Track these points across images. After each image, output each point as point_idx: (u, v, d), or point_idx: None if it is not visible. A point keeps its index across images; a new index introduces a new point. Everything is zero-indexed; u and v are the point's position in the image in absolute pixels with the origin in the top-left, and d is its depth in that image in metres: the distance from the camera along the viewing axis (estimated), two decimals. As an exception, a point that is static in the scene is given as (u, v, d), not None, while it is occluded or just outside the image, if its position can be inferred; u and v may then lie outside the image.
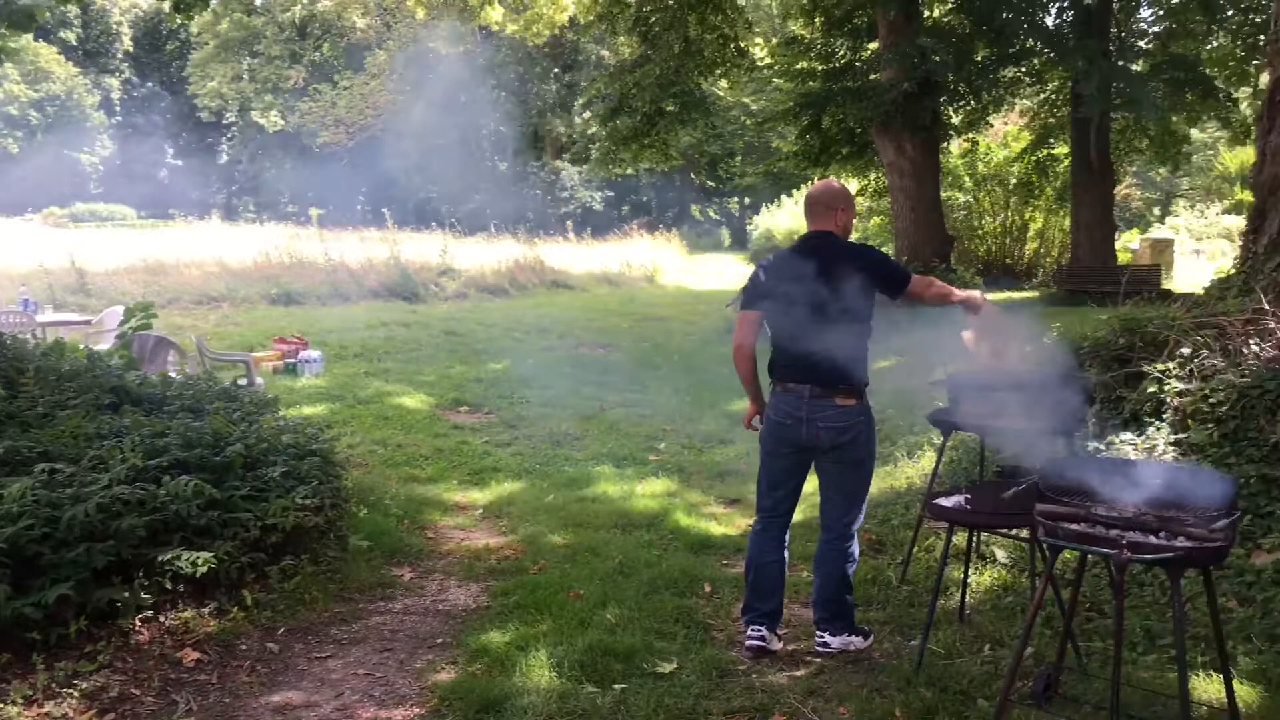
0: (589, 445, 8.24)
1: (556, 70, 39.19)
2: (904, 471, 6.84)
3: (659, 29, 15.64)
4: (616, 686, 3.81)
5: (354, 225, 32.10)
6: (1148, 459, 5.17)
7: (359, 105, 41.87)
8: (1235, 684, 3.37)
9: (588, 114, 25.01)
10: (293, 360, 11.17)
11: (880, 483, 6.73)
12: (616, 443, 8.30)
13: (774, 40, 23.08)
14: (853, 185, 22.00)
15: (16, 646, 3.68)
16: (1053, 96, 19.34)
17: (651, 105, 16.14)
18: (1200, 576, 3.16)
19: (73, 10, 52.50)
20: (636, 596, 4.72)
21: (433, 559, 5.49)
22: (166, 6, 7.48)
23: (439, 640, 4.36)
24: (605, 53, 34.43)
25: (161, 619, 4.16)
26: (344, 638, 4.37)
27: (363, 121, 42.19)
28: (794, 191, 29.21)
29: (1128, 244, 24.37)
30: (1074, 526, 3.08)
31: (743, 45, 17.64)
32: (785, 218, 30.36)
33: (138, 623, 4.06)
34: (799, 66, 19.21)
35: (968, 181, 22.84)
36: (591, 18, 17.47)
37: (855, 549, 4.21)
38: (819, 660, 4.11)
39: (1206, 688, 3.67)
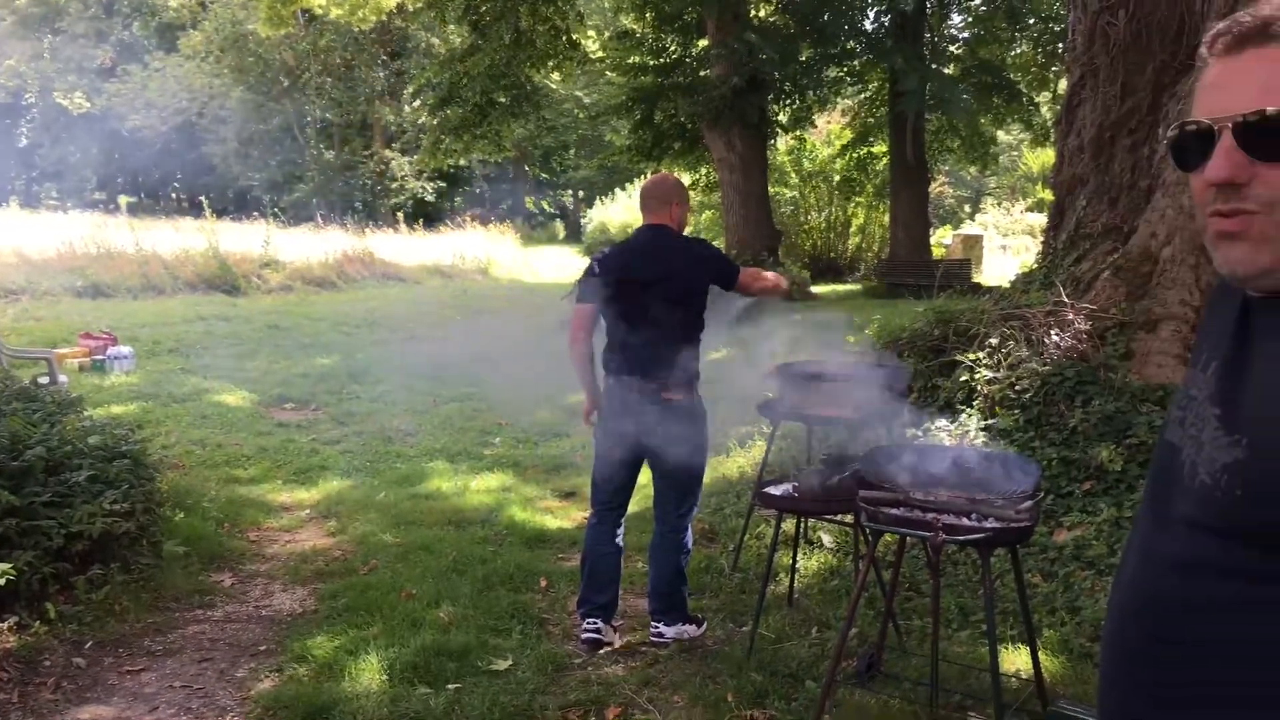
0: (422, 441, 8.09)
1: (385, 57, 38.19)
2: (736, 461, 6.98)
3: (489, 19, 15.46)
4: (450, 686, 3.75)
5: (169, 214, 30.53)
6: (961, 445, 5.45)
7: (173, 88, 39.72)
8: (1041, 655, 3.59)
9: (417, 103, 24.50)
10: (101, 357, 10.53)
11: (713, 472, 6.86)
12: (450, 438, 8.17)
13: (606, 34, 23.18)
14: (685, 179, 22.34)
15: None
16: (872, 96, 20.15)
17: (482, 96, 15.95)
18: (1009, 555, 3.34)
19: None
20: (471, 594, 4.66)
21: (256, 563, 5.27)
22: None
23: (262, 648, 4.19)
24: (436, 41, 33.79)
25: (-49, 638, 3.85)
26: (159, 649, 4.15)
27: (177, 105, 40.06)
28: (628, 185, 29.48)
29: (941, 239, 25.63)
30: (893, 511, 3.21)
31: (575, 38, 17.63)
32: (619, 211, 30.57)
33: (-77, 644, 3.74)
34: (631, 61, 19.36)
35: (794, 178, 23.56)
36: (420, 4, 17.10)
37: (689, 540, 4.26)
38: (655, 650, 4.15)
39: (1015, 659, 3.89)
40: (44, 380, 7.42)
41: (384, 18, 20.41)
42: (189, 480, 6.55)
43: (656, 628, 4.21)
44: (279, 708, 3.60)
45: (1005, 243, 28.60)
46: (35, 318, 13.68)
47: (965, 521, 3.19)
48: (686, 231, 4.33)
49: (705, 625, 4.29)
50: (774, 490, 4.12)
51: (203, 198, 24.59)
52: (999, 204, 34.85)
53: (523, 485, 6.84)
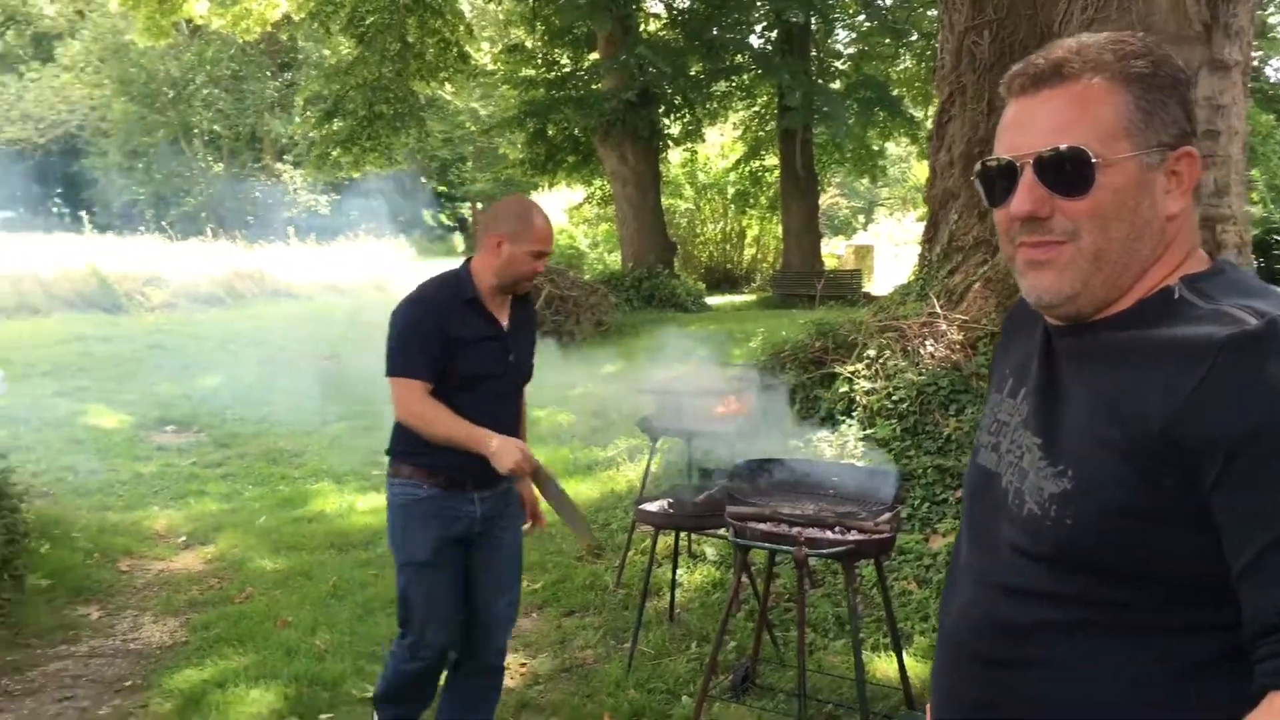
0: (308, 462, 7.93)
1: (274, 68, 37.42)
2: (624, 475, 7.02)
3: (375, 30, 15.28)
4: (322, 716, 3.69)
5: (48, 230, 29.36)
6: (829, 459, 5.57)
7: (50, 99, 38.26)
8: (910, 661, 3.69)
9: (307, 114, 24.09)
10: (-31, 382, 10.06)
11: (601, 487, 6.90)
12: (338, 458, 8.03)
13: (498, 47, 23.12)
14: (579, 193, 22.42)
15: None
16: (762, 111, 20.50)
17: (367, 108, 15.74)
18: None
19: None
20: (349, 620, 4.59)
21: (125, 594, 5.10)
22: None
23: (128, 683, 4.06)
24: (327, 52, 33.28)
25: None
26: (17, 689, 3.98)
27: (55, 117, 38.60)
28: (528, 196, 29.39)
29: (834, 250, 26.19)
30: (760, 526, 3.27)
31: (465, 50, 17.53)
32: (516, 224, 30.46)
33: None
34: (523, 74, 19.35)
35: (689, 190, 23.80)
36: (303, 15, 16.82)
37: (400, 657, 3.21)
38: (534, 670, 4.15)
39: (886, 667, 3.98)
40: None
41: (270, 29, 19.98)
42: (58, 509, 6.32)
43: None
44: (142, 746, 3.50)
45: (897, 252, 29.38)
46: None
47: (829, 535, 3.27)
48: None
49: None
50: (650, 506, 4.15)
51: (84, 212, 23.68)
52: (891, 214, 35.75)
53: (409, 505, 6.74)
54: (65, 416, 9.12)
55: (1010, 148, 1.19)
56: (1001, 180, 1.19)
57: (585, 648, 4.34)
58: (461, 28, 17.27)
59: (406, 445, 3.06)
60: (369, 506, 6.60)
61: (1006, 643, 1.19)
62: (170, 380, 11.16)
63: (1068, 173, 1.13)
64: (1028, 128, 1.17)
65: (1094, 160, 1.12)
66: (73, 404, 9.69)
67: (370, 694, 3.85)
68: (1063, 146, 1.13)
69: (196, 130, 38.52)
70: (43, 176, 39.12)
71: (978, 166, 1.23)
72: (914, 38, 18.79)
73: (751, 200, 23.30)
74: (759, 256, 24.33)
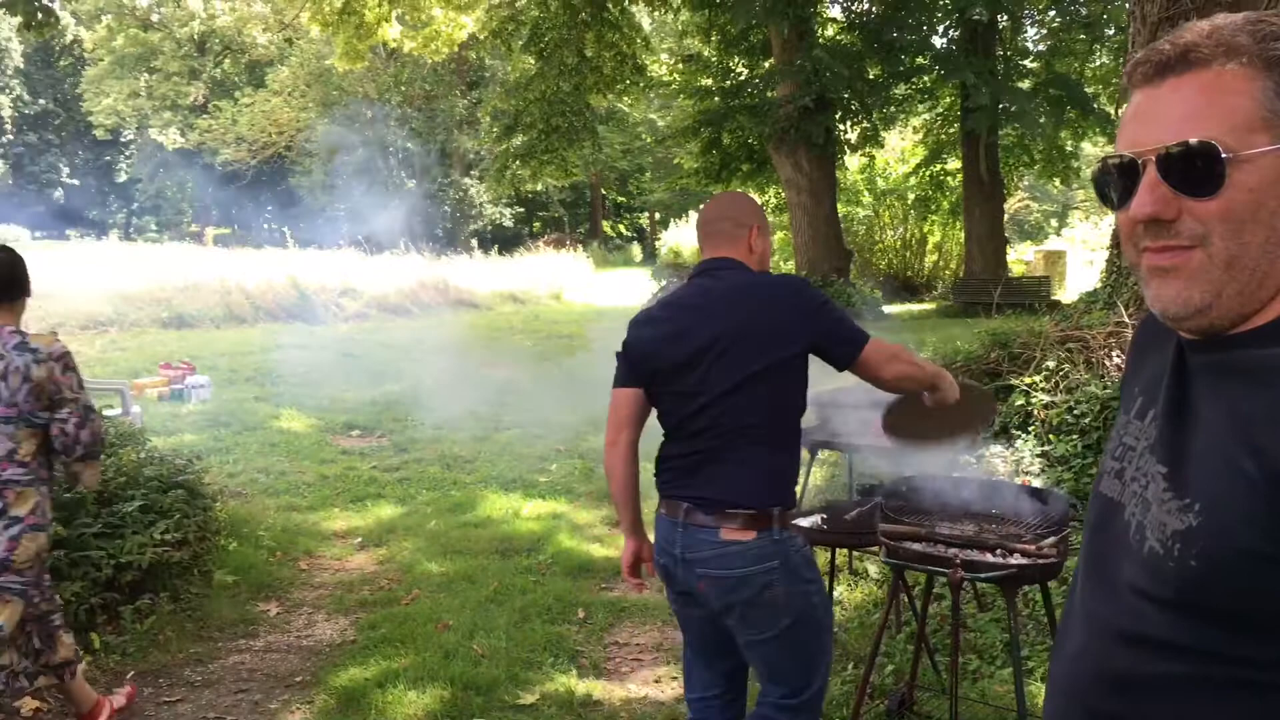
0: (479, 468, 8.14)
1: (463, 87, 38.93)
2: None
3: (553, 46, 15.66)
4: (474, 721, 3.75)
5: (257, 244, 31.47)
6: (1000, 477, 5.29)
7: (261, 123, 41.04)
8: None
9: (492, 129, 24.98)
10: (179, 386, 10.85)
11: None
12: (507, 465, 8.21)
13: (675, 58, 23.29)
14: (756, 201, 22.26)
15: None
16: (944, 113, 19.85)
17: (545, 121, 16.14)
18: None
19: (-43, 25, 50.75)
20: (507, 625, 4.65)
21: (303, 591, 5.34)
22: (17, 24, 7.24)
23: (298, 679, 4.24)
24: (510, 69, 34.46)
25: (-1, 667, 3.97)
26: (198, 680, 4.22)
27: (266, 139, 41.37)
28: (701, 206, 29.51)
29: (1023, 256, 25.08)
30: (914, 546, 3.12)
31: (641, 63, 17.74)
32: (693, 234, 30.64)
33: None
34: (699, 84, 19.40)
35: (867, 196, 23.30)
36: (486, 34, 17.41)
37: None
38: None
39: (1056, 698, 3.73)
40: (114, 412, 7.67)
41: (457, 49, 20.79)
42: (249, 508, 6.69)
43: None
44: (306, 740, 3.64)
45: (1091, 258, 27.89)
46: (121, 348, 14.20)
47: (989, 558, 3.08)
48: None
49: None
50: (803, 521, 4.03)
51: (286, 229, 25.25)
52: (1086, 217, 34.01)
53: (574, 512, 6.83)
54: (262, 420, 9.69)
55: (1131, 143, 1.05)
56: (1122, 179, 1.06)
57: (738, 665, 4.25)
58: (639, 40, 17.49)
59: (786, 492, 2.67)
60: (533, 513, 6.71)
61: (1119, 697, 1.06)
62: (357, 387, 11.71)
63: (1195, 170, 0.99)
64: (1150, 121, 1.04)
65: (1225, 156, 0.98)
66: (270, 408, 10.30)
67: (521, 701, 3.90)
68: (1192, 141, 0.99)
69: (392, 148, 40.46)
70: (254, 195, 42.02)
71: (1097, 164, 1.10)
72: (1111, 32, 17.79)
73: (933, 206, 22.61)
74: (941, 264, 23.58)
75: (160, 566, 4.82)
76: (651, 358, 2.70)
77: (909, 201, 23.08)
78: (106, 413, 6.95)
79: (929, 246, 23.75)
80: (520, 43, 16.61)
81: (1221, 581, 0.96)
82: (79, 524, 4.59)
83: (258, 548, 5.81)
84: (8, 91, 54.26)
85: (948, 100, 19.16)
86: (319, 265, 22.10)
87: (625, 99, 20.97)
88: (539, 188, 33.18)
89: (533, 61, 16.90)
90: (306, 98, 39.87)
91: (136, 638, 4.42)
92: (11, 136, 53.21)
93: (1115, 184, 1.08)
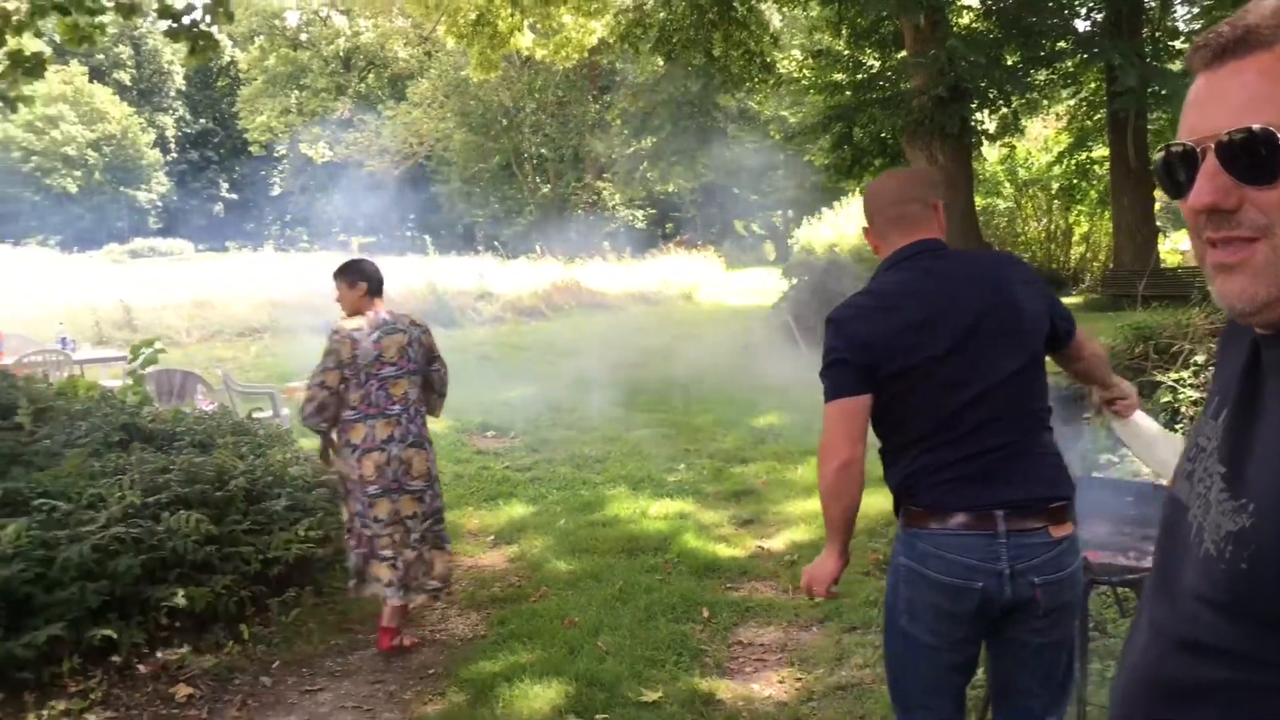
0: (609, 468, 8.23)
1: (595, 91, 39.43)
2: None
3: (680, 47, 15.70)
4: (598, 717, 3.80)
5: (399, 252, 32.57)
6: (1142, 479, 5.05)
7: (402, 134, 42.48)
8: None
9: (623, 133, 25.21)
10: (325, 390, 11.32)
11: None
12: (636, 464, 8.28)
13: (805, 55, 23.03)
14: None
15: (8, 686, 3.76)
16: (1089, 98, 19.07)
17: (673, 123, 16.19)
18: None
19: (125, 52, 54.16)
20: (631, 623, 4.70)
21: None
22: (183, 51, 7.68)
23: (431, 671, 4.38)
24: (638, 72, 34.74)
25: (158, 655, 4.24)
26: (338, 670, 4.41)
27: (407, 149, 42.80)
28: (834, 204, 29.03)
29: (1178, 245, 23.87)
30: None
31: (769, 61, 17.62)
32: (826, 230, 30.22)
33: (132, 659, 4.13)
34: (830, 79, 19.14)
35: (1008, 187, 22.57)
36: (615, 38, 17.59)
37: None
38: (809, 688, 4.06)
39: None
40: (264, 414, 8.07)
41: (588, 55, 21.07)
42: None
43: None
44: (436, 731, 3.76)
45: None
46: (274, 354, 14.92)
47: (1121, 560, 2.97)
48: None
49: None
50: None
51: (426, 236, 26.05)
52: (1248, 203, 32.06)
53: (701, 512, 6.84)
54: (402, 421, 10.01)
55: (1190, 130, 1.00)
56: (1184, 167, 1.01)
57: (864, 666, 4.20)
58: (767, 38, 17.39)
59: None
60: (660, 513, 6.75)
61: (1173, 705, 1.01)
62: (492, 388, 11.98)
63: (1257, 158, 0.94)
64: (1210, 107, 0.99)
65: None
66: (409, 410, 10.63)
67: (644, 698, 3.93)
68: (1254, 127, 0.94)
69: (526, 155, 41.31)
70: (397, 204, 43.47)
71: (1159, 153, 1.05)
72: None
73: (1078, 195, 21.73)
74: (1088, 255, 22.62)
75: (304, 562, 5.06)
76: (900, 352, 2.39)
77: (1053, 191, 22.24)
78: (257, 415, 7.33)
79: (1075, 238, 22.82)
80: (648, 45, 16.74)
81: (1273, 584, 0.91)
82: (230, 521, 4.85)
83: (395, 544, 6.01)
84: (171, 113, 57.70)
85: (1092, 85, 18.39)
86: (457, 271, 22.74)
87: (755, 97, 20.83)
88: (670, 189, 33.33)
89: (660, 63, 17.01)
90: (445, 108, 41.07)
91: (282, 629, 4.65)
92: (176, 155, 56.51)
93: (1177, 172, 1.03)
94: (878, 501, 6.55)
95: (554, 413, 10.60)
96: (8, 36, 6.39)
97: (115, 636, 4.07)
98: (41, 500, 4.41)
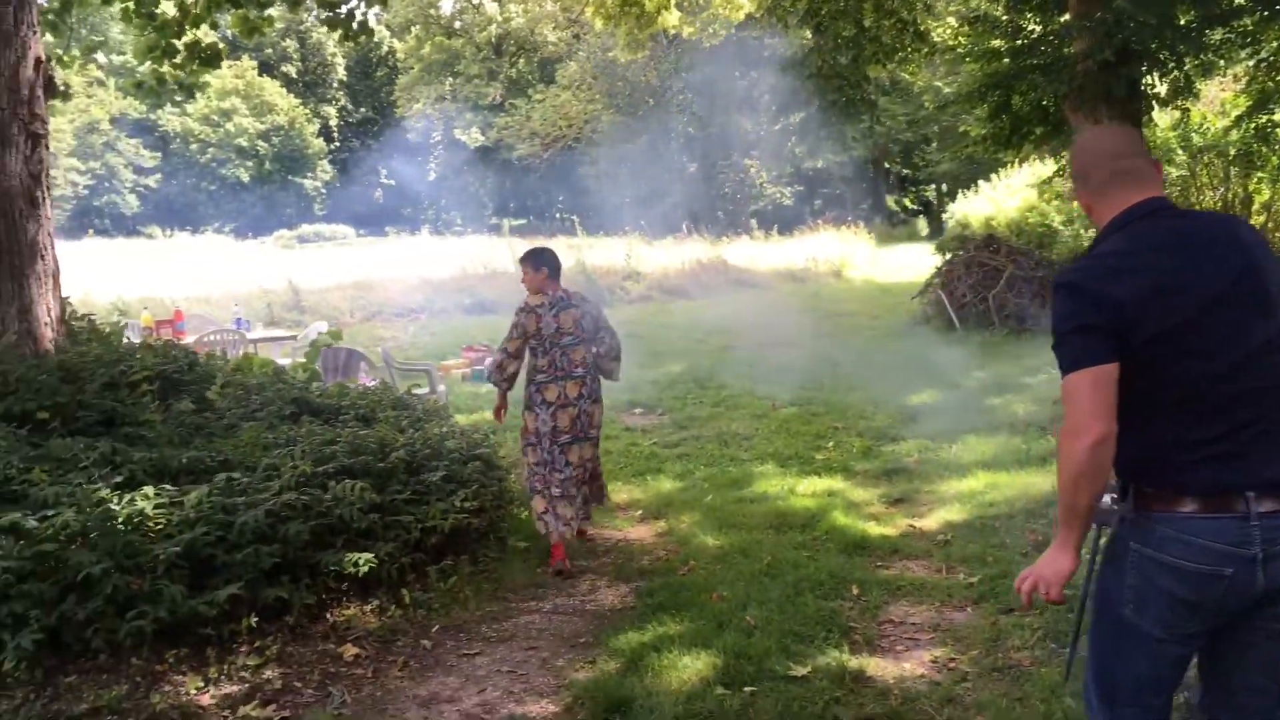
0: (756, 445, 8.21)
1: (741, 68, 39.10)
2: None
3: (829, 19, 15.36)
4: (746, 689, 3.81)
5: (549, 233, 33.17)
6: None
7: (552, 117, 43.14)
8: None
9: (773, 108, 24.93)
10: (479, 368, 11.65)
11: (1055, 480, 6.42)
12: (784, 442, 8.23)
13: (960, 22, 22.23)
14: (1049, 167, 21.00)
15: (192, 641, 4.03)
16: (1270, 58, 17.78)
17: (822, 97, 15.88)
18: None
19: (292, 46, 56.71)
20: (779, 599, 4.68)
21: (587, 559, 5.62)
22: (336, 37, 8.02)
23: (582, 640, 4.48)
24: (787, 46, 34.26)
25: (326, 616, 4.47)
26: (493, 636, 4.55)
27: (556, 132, 43.45)
28: (991, 176, 28.01)
29: (1374, 212, 22.11)
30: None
31: (923, 29, 17.06)
32: (982, 204, 29.26)
33: (303, 620, 4.37)
34: (987, 46, 18.41)
35: (1180, 154, 21.31)
36: (762, 12, 17.37)
37: None
38: (961, 667, 3.97)
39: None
40: (422, 391, 8.37)
41: (734, 31, 20.91)
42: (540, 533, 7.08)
43: None
44: (587, 697, 3.84)
45: None
46: (430, 333, 15.43)
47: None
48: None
49: None
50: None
51: (575, 217, 26.40)
52: None
53: (850, 490, 6.75)
54: (553, 398, 10.22)
55: None
56: None
57: (1020, 649, 4.07)
58: (920, 6, 16.83)
59: None
60: (808, 490, 6.70)
61: None
62: (640, 366, 12.08)
63: None
64: None
65: None
66: (559, 387, 10.84)
67: (793, 672, 3.92)
68: None
69: (673, 133, 41.34)
70: (546, 187, 44.27)
71: None
72: None
73: (1258, 161, 20.31)
74: (1269, 225, 21.17)
75: (461, 531, 5.23)
76: (1152, 317, 2.17)
77: (1230, 158, 20.88)
78: (416, 391, 7.60)
79: (1255, 207, 21.39)
80: (796, 18, 16.44)
81: None
82: (391, 491, 5.06)
83: (547, 517, 6.16)
84: (334, 103, 60.13)
85: (1274, 44, 17.14)
86: (605, 251, 22.99)
87: (907, 68, 20.26)
88: (819, 164, 32.81)
89: (809, 36, 16.71)
90: (593, 90, 41.48)
91: (440, 595, 4.83)
92: (339, 144, 58.91)
93: None
94: (1036, 480, 6.38)
95: (701, 390, 10.63)
96: (187, 28, 6.80)
97: (287, 597, 4.31)
98: (222, 470, 4.71)
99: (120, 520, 4.03)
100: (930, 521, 5.97)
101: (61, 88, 6.25)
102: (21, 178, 5.40)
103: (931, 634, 4.34)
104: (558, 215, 47.38)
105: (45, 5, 6.87)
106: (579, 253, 20.03)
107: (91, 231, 41.31)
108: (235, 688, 3.86)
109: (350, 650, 4.25)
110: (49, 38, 6.98)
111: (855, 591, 4.83)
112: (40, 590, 3.78)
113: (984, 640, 4.20)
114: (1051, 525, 5.60)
